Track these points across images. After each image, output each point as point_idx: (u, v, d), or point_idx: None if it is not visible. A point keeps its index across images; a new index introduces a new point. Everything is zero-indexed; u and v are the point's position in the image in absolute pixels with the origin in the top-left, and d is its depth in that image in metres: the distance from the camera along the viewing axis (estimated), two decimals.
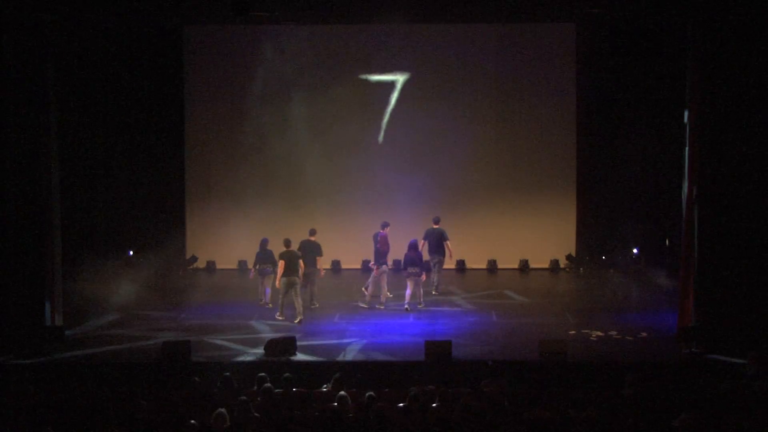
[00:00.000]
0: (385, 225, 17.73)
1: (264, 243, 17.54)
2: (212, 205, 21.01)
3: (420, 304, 17.14)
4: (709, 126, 14.55)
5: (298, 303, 16.36)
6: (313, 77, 20.62)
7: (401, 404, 10.71)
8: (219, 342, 14.98)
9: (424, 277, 17.18)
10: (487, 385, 11.77)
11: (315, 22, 18.72)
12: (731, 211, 14.49)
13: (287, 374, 12.21)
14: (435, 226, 18.28)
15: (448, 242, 18.19)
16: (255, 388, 11.73)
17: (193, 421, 10.04)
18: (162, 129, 20.57)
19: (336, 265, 20.51)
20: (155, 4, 15.28)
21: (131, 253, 20.20)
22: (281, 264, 16.40)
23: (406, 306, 17.07)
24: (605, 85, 20.04)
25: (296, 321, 16.19)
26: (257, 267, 17.49)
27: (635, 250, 20.14)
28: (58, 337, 14.94)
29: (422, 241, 18.15)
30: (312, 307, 17.12)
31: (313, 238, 17.24)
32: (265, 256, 17.40)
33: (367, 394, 10.92)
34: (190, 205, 21.09)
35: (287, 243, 16.61)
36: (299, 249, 16.97)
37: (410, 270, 17.06)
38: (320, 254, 17.10)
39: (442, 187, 20.73)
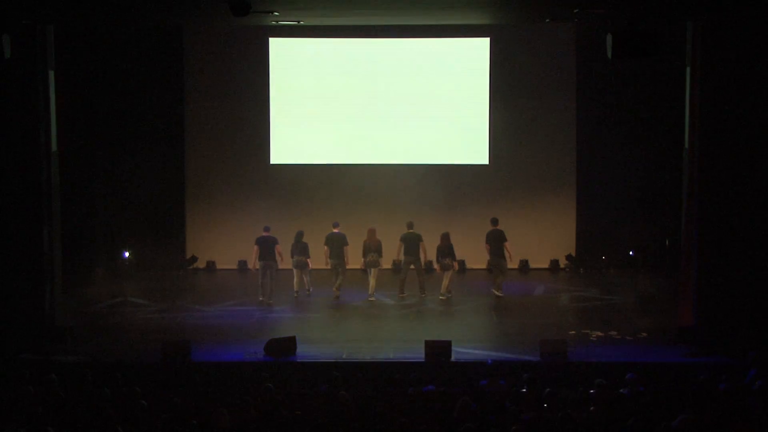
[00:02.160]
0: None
1: (299, 235, 18.03)
2: (212, 205, 21.01)
3: (448, 293, 17.77)
4: (709, 126, 14.55)
5: (269, 285, 17.47)
6: (314, 76, 20.62)
7: (401, 404, 10.72)
8: (219, 341, 14.98)
9: (456, 266, 17.86)
10: (487, 384, 11.78)
11: (315, 22, 18.68)
12: (731, 211, 14.49)
13: (288, 374, 12.21)
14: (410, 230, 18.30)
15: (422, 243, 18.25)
16: (255, 388, 11.73)
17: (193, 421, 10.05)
18: (162, 128, 20.55)
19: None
20: (155, 4, 15.26)
21: (126, 255, 20.16)
22: (255, 249, 17.58)
23: (441, 296, 17.68)
24: (605, 85, 20.04)
25: (260, 298, 17.49)
26: (293, 259, 17.97)
27: (630, 252, 20.13)
28: (58, 336, 14.96)
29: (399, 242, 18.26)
30: (336, 295, 17.83)
31: (337, 230, 18.00)
32: (300, 248, 17.87)
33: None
34: (190, 205, 21.08)
35: (266, 229, 17.77)
36: (326, 242, 17.87)
37: (444, 261, 17.62)
38: (347, 244, 17.89)
39: (441, 187, 20.72)
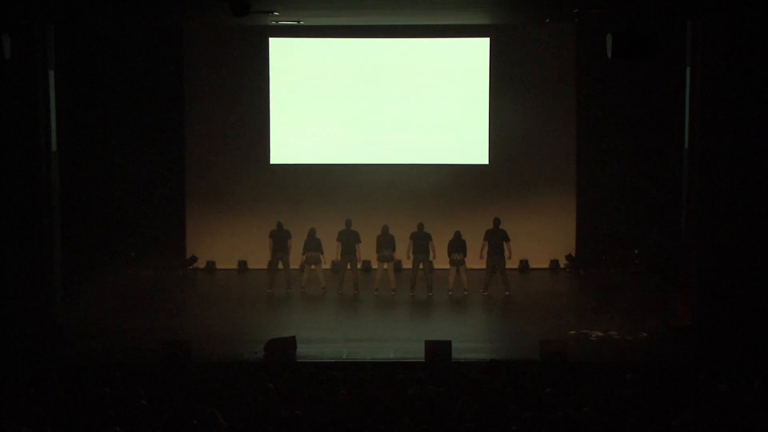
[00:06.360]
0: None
1: (312, 231, 18.51)
2: (212, 205, 21.01)
3: (465, 291, 18.18)
4: (709, 126, 14.56)
5: (277, 276, 18.25)
6: (314, 76, 20.61)
7: (401, 404, 10.72)
8: (219, 342, 14.98)
9: (466, 262, 18.34)
10: (485, 379, 11.77)
11: (315, 22, 18.69)
12: (731, 211, 14.50)
13: (288, 374, 12.20)
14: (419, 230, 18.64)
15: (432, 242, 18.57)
16: (255, 388, 11.73)
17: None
18: (162, 128, 20.53)
19: (336, 265, 20.53)
20: (155, 4, 15.28)
21: (133, 254, 20.18)
22: (270, 242, 18.42)
23: (450, 292, 18.17)
24: (605, 85, 20.04)
25: (268, 290, 18.27)
26: (305, 255, 18.42)
27: (636, 251, 20.09)
28: (58, 336, 14.96)
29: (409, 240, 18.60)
30: (354, 293, 18.27)
31: (350, 227, 18.45)
32: (313, 244, 18.35)
33: None
34: (190, 205, 21.07)
35: (278, 225, 18.57)
36: (338, 239, 18.35)
37: (454, 257, 18.12)
38: (359, 241, 18.36)
39: (441, 187, 20.71)
